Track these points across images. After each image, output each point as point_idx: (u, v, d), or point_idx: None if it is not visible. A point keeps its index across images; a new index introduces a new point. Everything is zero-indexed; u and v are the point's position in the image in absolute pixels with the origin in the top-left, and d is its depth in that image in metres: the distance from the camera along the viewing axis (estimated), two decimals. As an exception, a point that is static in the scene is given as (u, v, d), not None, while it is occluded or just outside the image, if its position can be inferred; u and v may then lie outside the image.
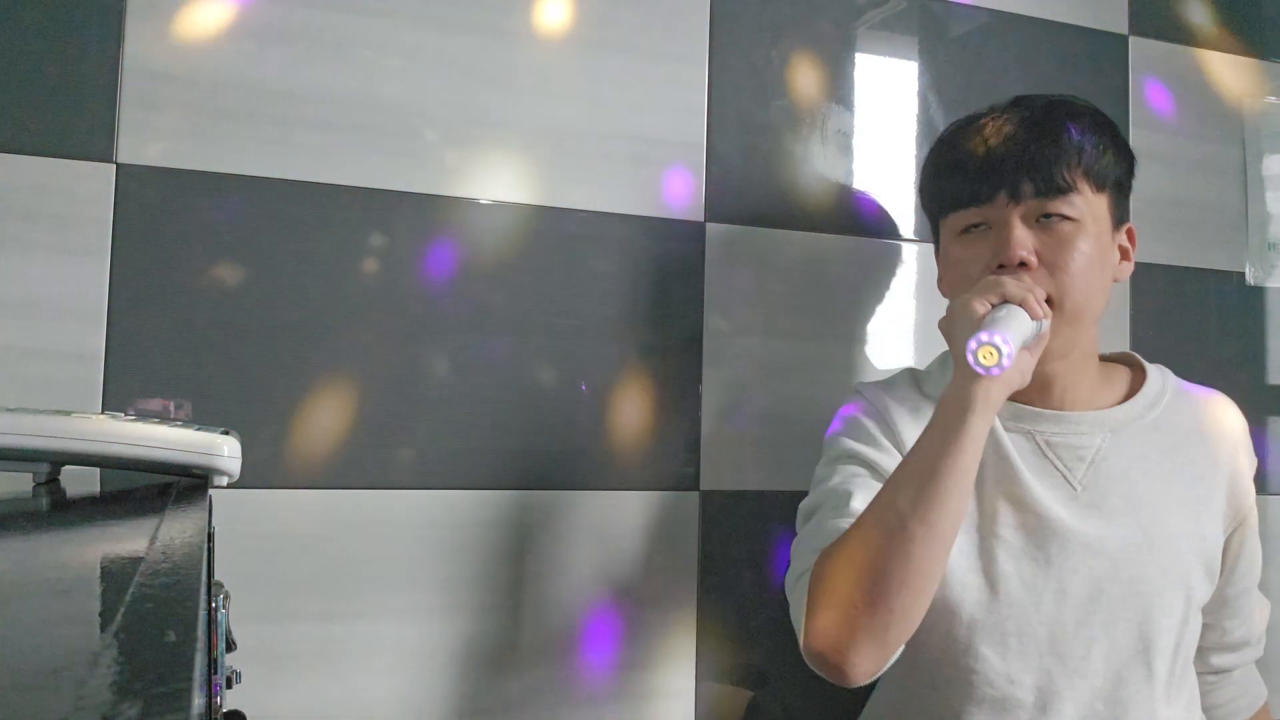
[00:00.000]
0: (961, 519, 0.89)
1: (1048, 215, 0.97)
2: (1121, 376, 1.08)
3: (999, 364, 0.82)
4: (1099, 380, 1.06)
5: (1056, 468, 1.01)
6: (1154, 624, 0.98)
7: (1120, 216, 1.03)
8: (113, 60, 0.98)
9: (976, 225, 1.00)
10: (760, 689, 1.20)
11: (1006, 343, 0.82)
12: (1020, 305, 0.88)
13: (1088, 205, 0.98)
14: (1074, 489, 1.00)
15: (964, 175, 1.01)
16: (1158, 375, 1.08)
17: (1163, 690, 0.99)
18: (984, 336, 0.82)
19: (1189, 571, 1.00)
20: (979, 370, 0.83)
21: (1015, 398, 1.03)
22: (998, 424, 1.02)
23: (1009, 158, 0.98)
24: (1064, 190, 0.97)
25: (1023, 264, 0.95)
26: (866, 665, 0.87)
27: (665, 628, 1.14)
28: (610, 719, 1.12)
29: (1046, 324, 0.92)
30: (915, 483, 0.87)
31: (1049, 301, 0.94)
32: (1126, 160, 1.03)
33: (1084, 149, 0.98)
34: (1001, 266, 0.96)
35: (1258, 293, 1.47)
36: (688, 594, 1.15)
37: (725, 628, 1.17)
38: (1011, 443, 1.01)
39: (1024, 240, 0.96)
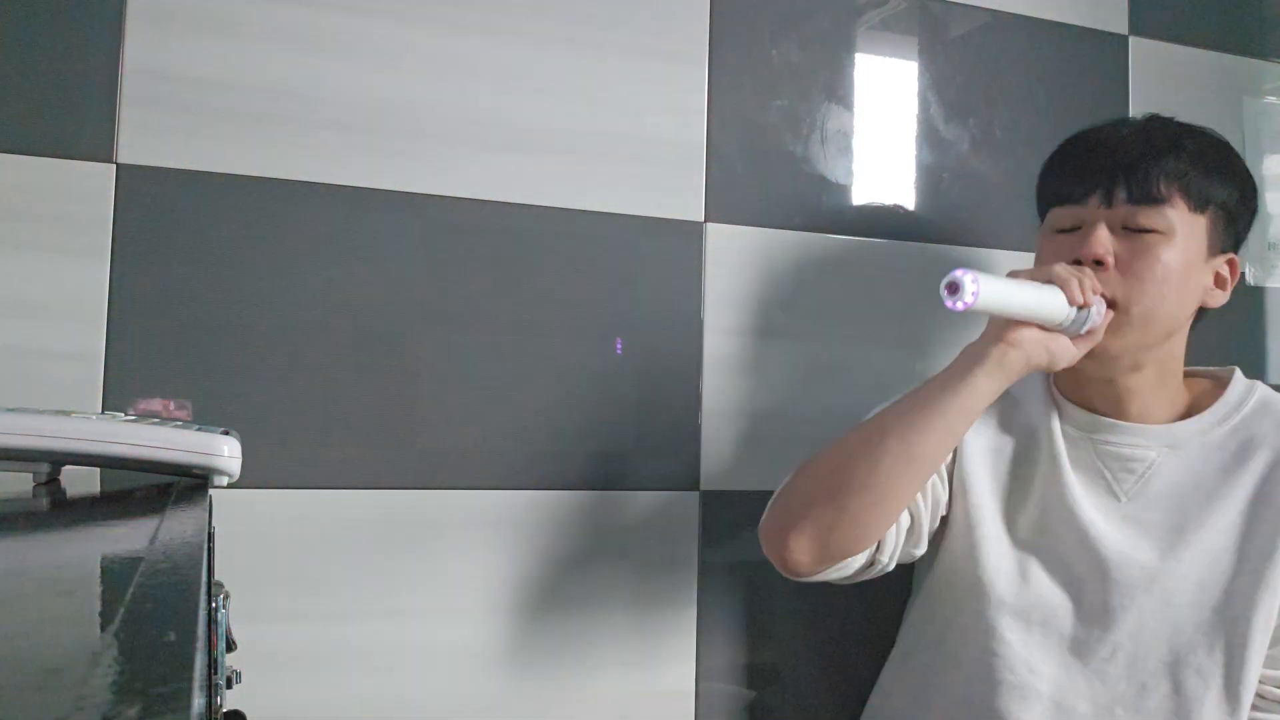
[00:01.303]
0: (941, 459, 0.93)
1: (1137, 228, 0.96)
2: (1197, 391, 1.05)
3: (961, 299, 0.82)
4: (1174, 394, 1.04)
5: (1104, 476, 1.00)
6: (1184, 639, 0.96)
7: (1220, 244, 1.00)
8: (113, 60, 0.98)
9: (1072, 229, 0.99)
10: (762, 689, 1.20)
11: (975, 282, 0.82)
12: (1061, 288, 0.89)
13: (1181, 221, 0.96)
14: (1119, 499, 0.99)
15: (1066, 172, 1.02)
16: (1240, 391, 1.04)
17: (1205, 709, 0.96)
18: (958, 271, 0.83)
19: (1240, 596, 0.96)
20: (945, 301, 0.83)
21: (1084, 404, 1.03)
22: (1056, 424, 1.02)
23: (1110, 162, 0.98)
24: (1156, 201, 0.96)
25: (1098, 262, 0.95)
26: (800, 555, 0.92)
27: (665, 628, 1.14)
28: (610, 719, 1.12)
29: (1097, 318, 0.92)
30: (906, 408, 0.92)
31: (1113, 305, 0.94)
32: (1238, 189, 1.01)
33: (1188, 167, 0.97)
34: (1077, 263, 0.95)
35: (1258, 293, 1.47)
36: (688, 594, 1.15)
37: (725, 627, 1.17)
38: (1066, 444, 1.01)
39: (1104, 240, 0.96)
